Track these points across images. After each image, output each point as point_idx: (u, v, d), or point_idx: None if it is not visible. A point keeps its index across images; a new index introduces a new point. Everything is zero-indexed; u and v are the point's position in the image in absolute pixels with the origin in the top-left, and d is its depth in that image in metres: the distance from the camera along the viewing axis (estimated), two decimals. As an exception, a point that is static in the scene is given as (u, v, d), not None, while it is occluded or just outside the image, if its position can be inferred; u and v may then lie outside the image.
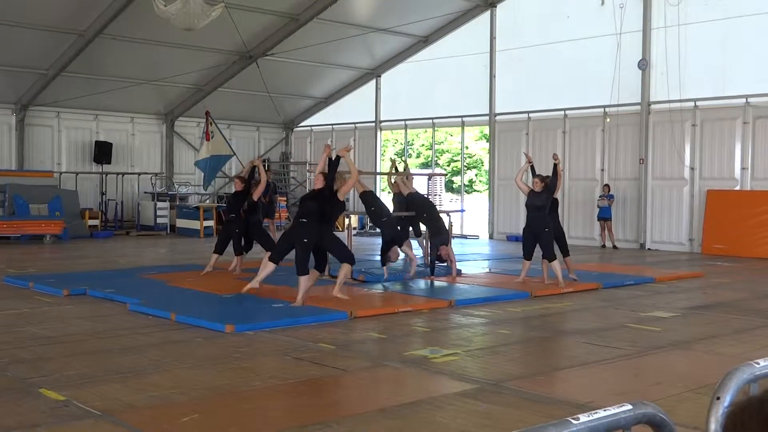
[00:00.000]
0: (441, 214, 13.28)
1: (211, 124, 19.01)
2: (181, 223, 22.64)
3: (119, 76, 21.90)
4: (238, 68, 22.78)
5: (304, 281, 9.67)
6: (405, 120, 24.84)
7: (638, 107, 19.23)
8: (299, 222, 9.89)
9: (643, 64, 18.92)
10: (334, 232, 10.45)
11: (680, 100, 18.44)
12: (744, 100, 17.63)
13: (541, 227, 11.89)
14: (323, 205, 9.75)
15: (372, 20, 21.86)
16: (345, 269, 10.10)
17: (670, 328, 8.81)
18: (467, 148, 32.15)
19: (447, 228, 13.05)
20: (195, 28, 15.57)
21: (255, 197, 12.61)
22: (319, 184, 9.89)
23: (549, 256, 11.78)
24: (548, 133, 21.14)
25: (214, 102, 23.27)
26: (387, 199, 17.07)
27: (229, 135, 24.82)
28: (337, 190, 10.00)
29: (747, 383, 2.22)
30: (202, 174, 19.40)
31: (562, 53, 20.37)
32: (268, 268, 10.16)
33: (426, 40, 23.40)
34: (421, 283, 12.17)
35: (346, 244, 11.72)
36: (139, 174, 24.23)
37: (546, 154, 21.12)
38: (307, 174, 27.16)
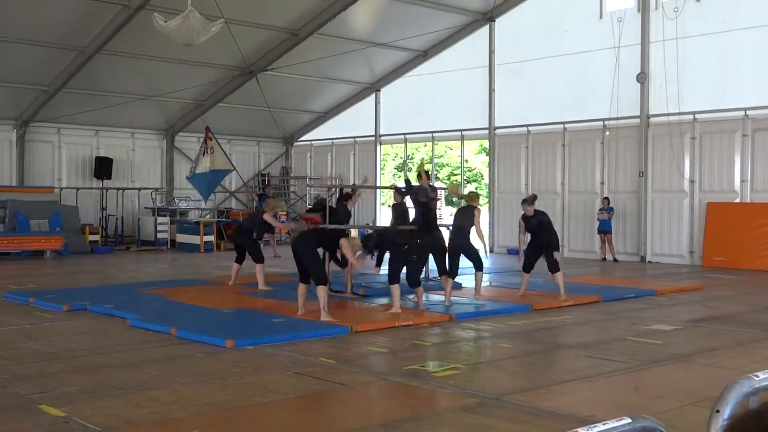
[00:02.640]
0: (441, 228, 13.25)
1: (210, 139, 19.04)
2: (182, 238, 22.63)
3: (120, 92, 21.97)
4: (238, 83, 22.84)
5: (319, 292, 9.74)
6: (405, 134, 24.89)
7: (637, 120, 19.28)
8: None
9: (642, 77, 18.98)
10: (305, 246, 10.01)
11: (679, 113, 18.49)
12: (743, 112, 17.67)
13: (545, 240, 11.96)
14: None
15: (371, 35, 21.95)
16: (320, 291, 9.65)
17: (671, 341, 8.80)
18: (467, 161, 32.18)
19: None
20: (195, 44, 15.60)
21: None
22: None
23: (553, 269, 11.84)
24: (548, 146, 21.17)
25: (214, 117, 23.31)
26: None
27: (229, 150, 24.86)
28: None
29: (746, 396, 2.22)
30: (199, 184, 19.37)
31: (561, 67, 20.43)
32: (321, 292, 9.85)
33: (425, 55, 23.48)
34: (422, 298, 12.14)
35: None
36: (140, 189, 24.26)
37: (546, 168, 21.23)
38: (308, 189, 27.20)
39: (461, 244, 11.71)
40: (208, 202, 25.48)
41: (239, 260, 13.45)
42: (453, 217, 12.39)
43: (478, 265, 12.00)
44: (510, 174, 22.11)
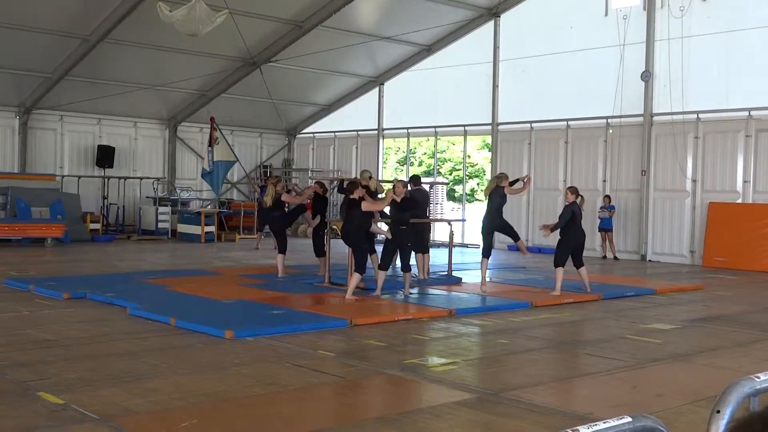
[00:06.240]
0: (443, 223, 13.34)
1: (215, 130, 19.06)
2: (183, 228, 22.63)
3: (123, 81, 21.95)
4: (241, 74, 22.81)
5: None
6: (407, 128, 24.87)
7: (641, 119, 19.25)
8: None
9: (646, 76, 18.94)
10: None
11: (683, 113, 18.46)
12: (746, 113, 17.64)
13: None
14: None
15: (375, 28, 21.91)
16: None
17: (670, 340, 8.80)
18: (469, 157, 32.18)
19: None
20: (199, 34, 15.59)
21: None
22: None
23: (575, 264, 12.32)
24: (550, 143, 21.15)
25: (217, 108, 23.30)
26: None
27: (232, 141, 24.85)
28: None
29: (747, 397, 2.21)
30: (211, 179, 19.46)
31: (566, 64, 20.40)
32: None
33: (429, 49, 23.44)
34: (419, 292, 12.16)
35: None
36: (141, 178, 24.25)
37: (548, 164, 21.21)
38: (309, 181, 27.18)
39: (497, 224, 12.39)
40: (207, 193, 25.56)
41: (284, 250, 13.60)
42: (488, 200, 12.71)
43: (516, 235, 12.79)
44: (512, 170, 21.92)
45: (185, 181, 25.63)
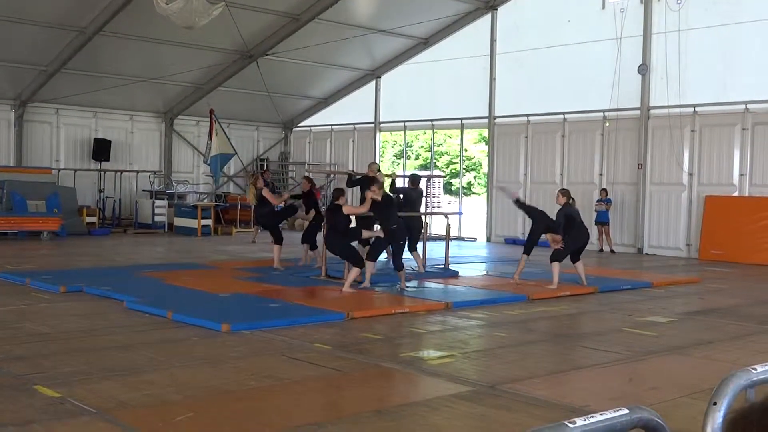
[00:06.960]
0: (440, 216, 13.36)
1: (215, 122, 19.08)
2: (179, 221, 22.59)
3: (119, 74, 21.87)
4: (238, 67, 22.76)
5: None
6: (404, 121, 24.84)
7: (638, 112, 19.25)
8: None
9: (643, 69, 18.93)
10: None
11: (680, 106, 18.46)
12: (743, 106, 17.65)
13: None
14: None
15: (372, 21, 21.86)
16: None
17: (666, 333, 8.82)
18: (466, 150, 32.18)
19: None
20: (195, 27, 15.55)
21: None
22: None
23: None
24: (547, 136, 21.14)
25: (213, 101, 23.25)
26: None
27: (229, 134, 24.81)
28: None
29: (744, 389, 2.21)
30: (213, 168, 19.59)
31: (563, 57, 20.37)
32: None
33: (426, 42, 23.41)
34: (418, 285, 12.16)
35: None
36: (138, 172, 24.20)
37: (545, 158, 21.21)
38: (306, 174, 27.15)
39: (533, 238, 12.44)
40: (204, 186, 25.56)
41: (279, 241, 13.79)
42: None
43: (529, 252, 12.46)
44: (509, 164, 22.08)
45: (182, 175, 25.60)
